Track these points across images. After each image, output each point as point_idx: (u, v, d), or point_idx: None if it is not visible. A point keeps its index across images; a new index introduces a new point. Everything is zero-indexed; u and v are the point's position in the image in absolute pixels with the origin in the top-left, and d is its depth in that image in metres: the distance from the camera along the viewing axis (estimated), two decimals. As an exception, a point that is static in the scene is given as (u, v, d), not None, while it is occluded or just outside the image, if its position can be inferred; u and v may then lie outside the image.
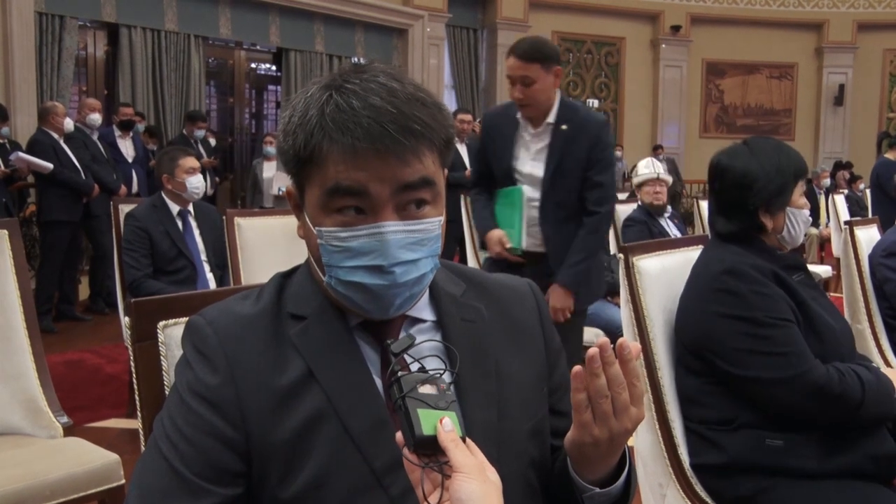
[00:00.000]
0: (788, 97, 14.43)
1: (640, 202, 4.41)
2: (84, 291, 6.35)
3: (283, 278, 1.00)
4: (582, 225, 2.74)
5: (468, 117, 6.55)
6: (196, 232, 3.74)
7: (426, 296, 1.00)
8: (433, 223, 0.91)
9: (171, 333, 1.08)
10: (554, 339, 1.09)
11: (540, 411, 1.02)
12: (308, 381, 0.90)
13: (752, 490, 1.59)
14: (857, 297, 2.77)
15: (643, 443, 1.77)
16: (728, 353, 1.62)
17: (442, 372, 0.81)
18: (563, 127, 2.73)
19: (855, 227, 2.85)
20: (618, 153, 11.31)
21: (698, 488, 1.69)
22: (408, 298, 0.92)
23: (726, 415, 1.64)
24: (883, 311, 2.75)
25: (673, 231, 4.29)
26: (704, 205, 5.33)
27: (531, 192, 2.78)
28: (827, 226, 7.83)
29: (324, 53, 10.11)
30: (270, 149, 7.49)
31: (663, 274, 1.83)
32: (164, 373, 1.07)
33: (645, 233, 4.10)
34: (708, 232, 1.96)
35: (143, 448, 0.99)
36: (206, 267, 3.72)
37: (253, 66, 10.37)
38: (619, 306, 1.87)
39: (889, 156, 6.15)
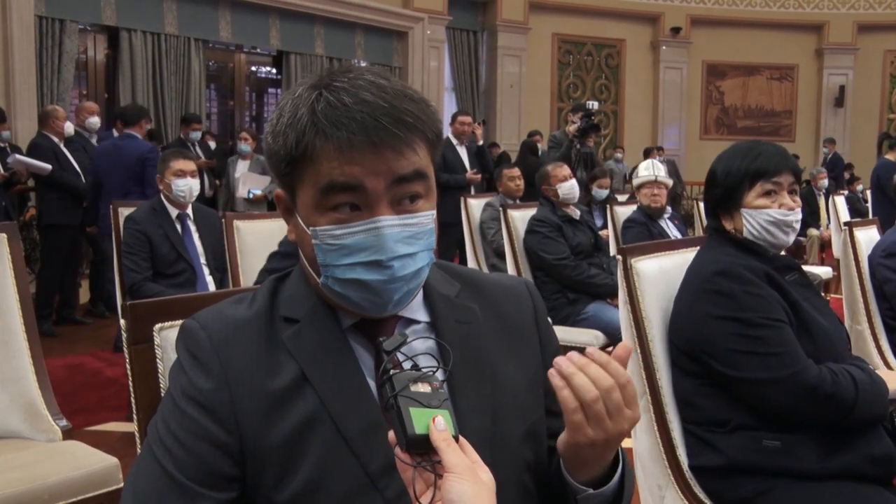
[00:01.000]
0: (789, 98, 14.43)
1: (639, 204, 4.42)
2: (84, 295, 6.35)
3: (277, 282, 1.00)
4: None
5: (468, 119, 6.55)
6: (195, 235, 3.75)
7: (420, 296, 0.99)
8: (427, 216, 0.92)
9: (167, 336, 1.08)
10: (551, 339, 1.08)
11: (535, 414, 1.01)
12: (301, 384, 0.90)
13: (751, 492, 1.59)
14: (856, 298, 2.77)
15: (642, 444, 1.77)
16: (721, 354, 1.62)
17: (435, 370, 0.81)
18: None
19: (854, 228, 2.84)
20: (618, 155, 11.32)
21: (697, 490, 1.69)
22: (405, 294, 0.92)
23: (721, 416, 1.64)
24: (883, 311, 2.75)
25: (673, 232, 4.29)
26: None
27: None
28: (827, 227, 7.83)
29: (324, 56, 10.12)
30: (245, 146, 6.97)
31: (662, 275, 1.83)
32: (160, 375, 1.07)
33: (644, 234, 4.10)
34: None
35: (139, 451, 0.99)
36: (206, 270, 3.72)
37: (253, 68, 10.39)
38: (618, 308, 1.86)
39: (889, 157, 6.15)
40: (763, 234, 1.73)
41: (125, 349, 1.08)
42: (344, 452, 0.88)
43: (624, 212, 4.60)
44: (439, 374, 0.81)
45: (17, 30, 7.06)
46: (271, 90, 10.62)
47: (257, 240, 3.20)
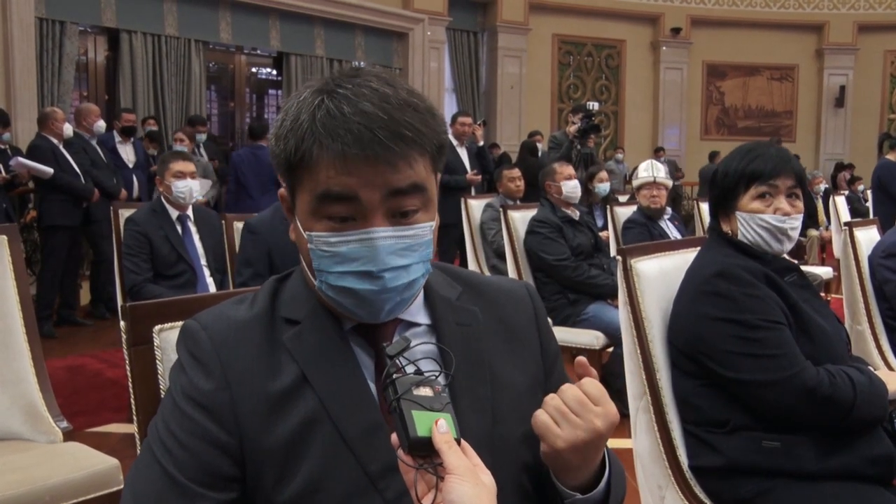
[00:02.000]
0: (789, 99, 14.44)
1: (638, 205, 4.42)
2: (85, 297, 6.35)
3: (277, 282, 1.00)
4: None
5: (468, 120, 6.55)
6: (196, 237, 3.75)
7: (420, 299, 0.99)
8: (424, 228, 0.91)
9: (167, 337, 1.09)
10: (551, 342, 1.08)
11: None
12: (302, 385, 0.90)
13: (751, 492, 1.59)
14: (857, 299, 2.77)
15: (642, 445, 1.77)
16: (719, 356, 1.62)
17: (437, 374, 0.82)
18: None
19: (855, 228, 2.84)
20: (619, 156, 11.33)
21: (697, 490, 1.69)
22: (398, 304, 0.92)
23: (721, 417, 1.64)
24: (883, 312, 2.75)
25: (673, 233, 4.30)
26: (704, 207, 5.33)
27: None
28: (827, 228, 7.83)
29: (324, 57, 10.13)
30: (180, 147, 6.34)
31: (661, 276, 1.83)
32: (160, 377, 1.07)
33: (645, 235, 4.10)
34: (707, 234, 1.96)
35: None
36: (206, 272, 3.73)
37: (253, 70, 10.39)
38: (618, 308, 1.86)
39: (890, 157, 6.13)
40: (756, 240, 1.71)
41: (125, 350, 1.08)
42: (344, 453, 0.88)
43: (624, 212, 4.60)
44: (441, 379, 0.82)
45: (18, 31, 7.07)
46: (271, 91, 10.62)
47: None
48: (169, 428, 0.89)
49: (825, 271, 5.98)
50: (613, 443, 0.99)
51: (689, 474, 1.71)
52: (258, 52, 10.11)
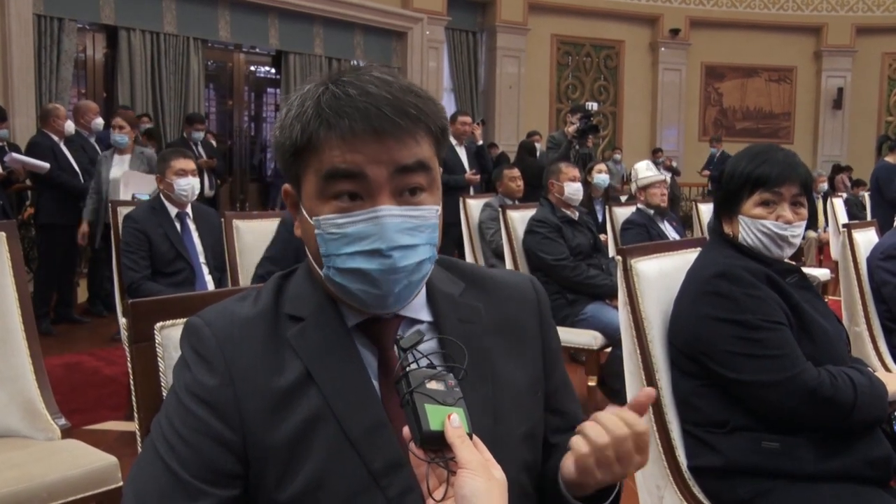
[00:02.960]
0: (787, 100, 14.45)
1: (642, 204, 4.42)
2: (82, 294, 6.34)
3: (282, 279, 1.00)
4: None
5: (467, 119, 6.55)
6: (195, 234, 3.74)
7: (423, 296, 0.99)
8: (431, 210, 0.92)
9: (169, 335, 1.08)
10: (553, 339, 1.09)
11: (534, 415, 1.02)
12: (306, 382, 0.90)
13: (750, 492, 1.59)
14: (855, 301, 2.77)
15: (641, 445, 1.77)
16: (720, 356, 1.62)
17: (450, 369, 0.82)
18: None
19: (853, 230, 2.84)
20: (617, 156, 11.33)
21: (696, 490, 1.69)
22: (406, 287, 0.92)
23: (721, 417, 1.64)
24: (881, 314, 2.75)
25: (671, 234, 4.31)
26: (703, 207, 5.34)
27: None
28: (825, 229, 7.83)
29: (323, 56, 10.12)
30: (121, 137, 5.32)
31: (661, 276, 1.83)
32: (161, 374, 1.07)
33: (644, 235, 4.11)
34: (706, 234, 1.96)
35: (140, 450, 0.99)
36: (205, 269, 3.72)
37: (252, 68, 10.39)
38: (617, 309, 1.87)
39: (889, 159, 6.15)
40: (757, 244, 1.71)
41: (126, 348, 1.08)
42: (347, 451, 0.88)
43: (623, 213, 4.61)
44: (453, 373, 0.82)
45: (16, 28, 7.06)
46: (270, 90, 10.62)
47: (256, 239, 3.19)
48: (172, 424, 0.89)
49: (823, 273, 5.99)
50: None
51: (687, 474, 1.71)
52: (257, 50, 10.10)
